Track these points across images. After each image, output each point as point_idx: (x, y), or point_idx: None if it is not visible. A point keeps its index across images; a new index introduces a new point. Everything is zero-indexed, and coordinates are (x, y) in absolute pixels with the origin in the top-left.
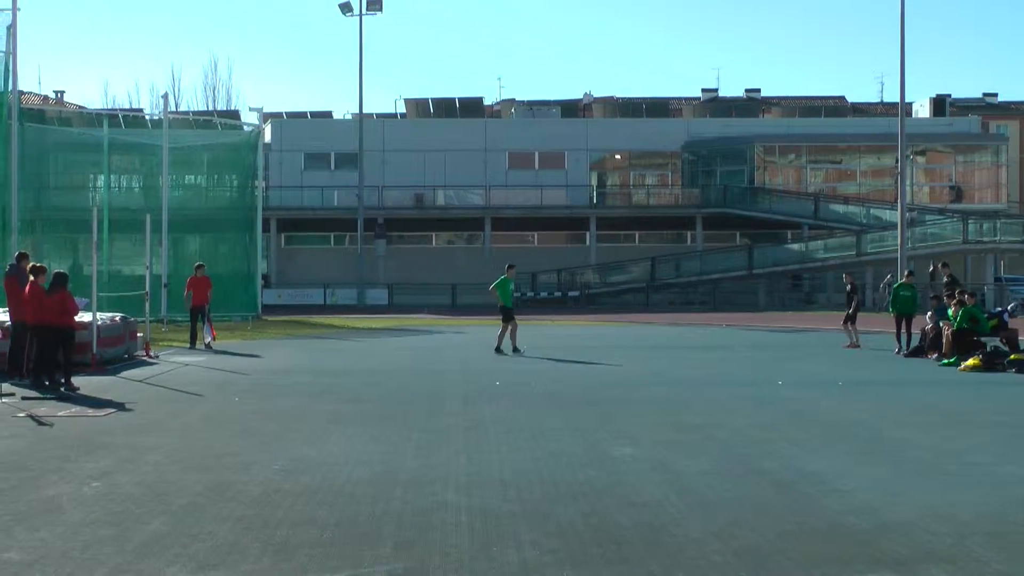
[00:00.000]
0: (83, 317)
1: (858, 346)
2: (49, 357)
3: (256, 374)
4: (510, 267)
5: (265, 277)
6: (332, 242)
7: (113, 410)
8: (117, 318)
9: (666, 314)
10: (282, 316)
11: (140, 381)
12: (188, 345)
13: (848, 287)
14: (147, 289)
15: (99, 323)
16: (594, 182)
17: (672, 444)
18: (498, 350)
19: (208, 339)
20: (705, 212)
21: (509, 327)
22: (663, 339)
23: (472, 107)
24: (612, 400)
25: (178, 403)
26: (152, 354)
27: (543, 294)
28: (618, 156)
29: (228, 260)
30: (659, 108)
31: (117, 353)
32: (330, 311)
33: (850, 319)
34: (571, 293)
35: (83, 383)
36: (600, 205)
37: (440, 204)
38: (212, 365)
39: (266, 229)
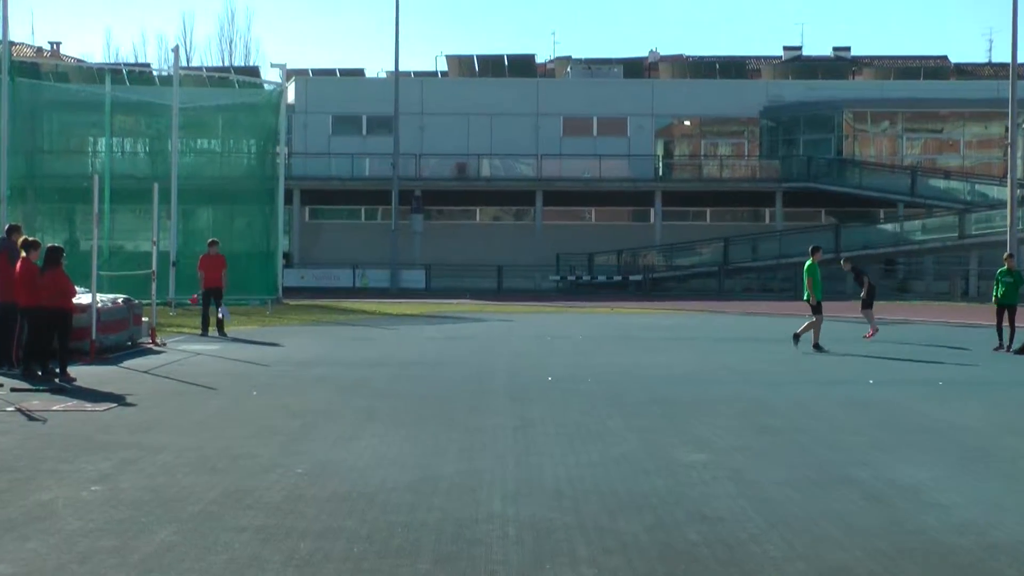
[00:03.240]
0: (81, 299)
1: (876, 330)
2: (42, 344)
3: (277, 365)
4: (815, 249)
5: (287, 256)
6: (363, 217)
7: (114, 404)
8: (119, 300)
9: (740, 302)
10: (305, 300)
11: (145, 372)
12: (199, 332)
13: (852, 271)
14: (153, 268)
15: (99, 306)
16: (660, 152)
17: (748, 450)
18: (817, 346)
19: (221, 314)
20: (786, 187)
21: (818, 320)
22: (737, 330)
23: (522, 66)
24: (679, 399)
25: (188, 397)
26: (159, 342)
27: (601, 278)
28: (687, 122)
29: (245, 236)
30: (734, 68)
31: (119, 340)
32: (359, 295)
33: (866, 304)
34: (632, 277)
35: (80, 373)
36: (666, 178)
37: (485, 175)
38: (227, 354)
39: (288, 201)
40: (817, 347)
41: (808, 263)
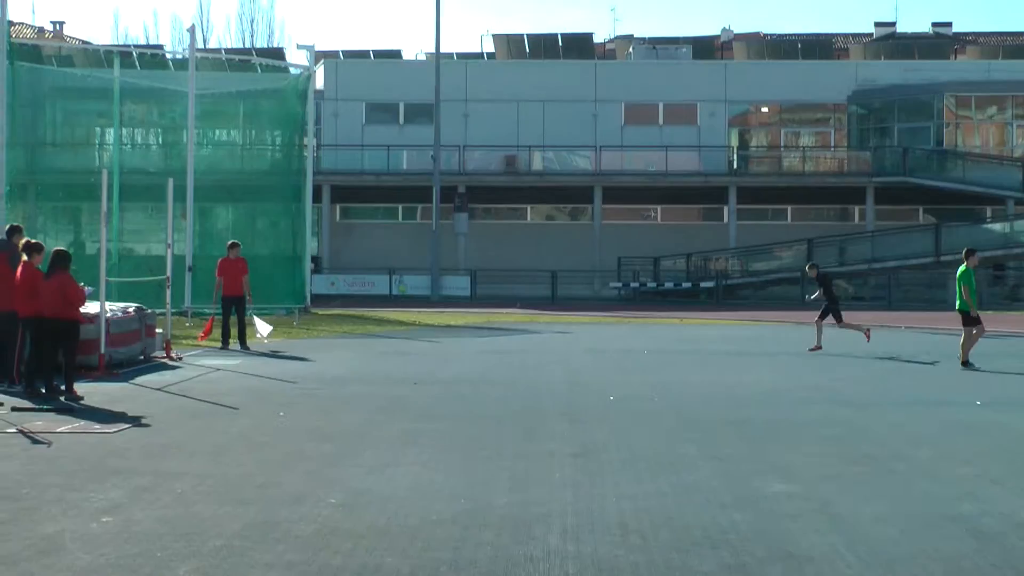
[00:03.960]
0: (89, 308)
1: (868, 331)
2: (46, 358)
3: (305, 382)
4: (970, 252)
5: (315, 260)
6: (400, 216)
7: (127, 425)
8: (131, 310)
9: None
10: (336, 309)
11: (159, 389)
12: (219, 345)
13: (817, 279)
14: (168, 273)
15: (109, 315)
16: (735, 142)
17: (840, 480)
18: (967, 364)
19: (260, 326)
20: (878, 181)
21: (978, 333)
22: (824, 344)
23: (579, 46)
24: (760, 421)
25: (208, 418)
26: (174, 355)
27: (668, 284)
28: (765, 109)
29: (269, 238)
30: (819, 47)
31: (131, 354)
32: (397, 303)
33: (832, 315)
34: (704, 284)
35: (88, 391)
36: (742, 172)
37: (537, 169)
38: (250, 370)
39: (317, 199)
40: (967, 364)
41: (961, 269)
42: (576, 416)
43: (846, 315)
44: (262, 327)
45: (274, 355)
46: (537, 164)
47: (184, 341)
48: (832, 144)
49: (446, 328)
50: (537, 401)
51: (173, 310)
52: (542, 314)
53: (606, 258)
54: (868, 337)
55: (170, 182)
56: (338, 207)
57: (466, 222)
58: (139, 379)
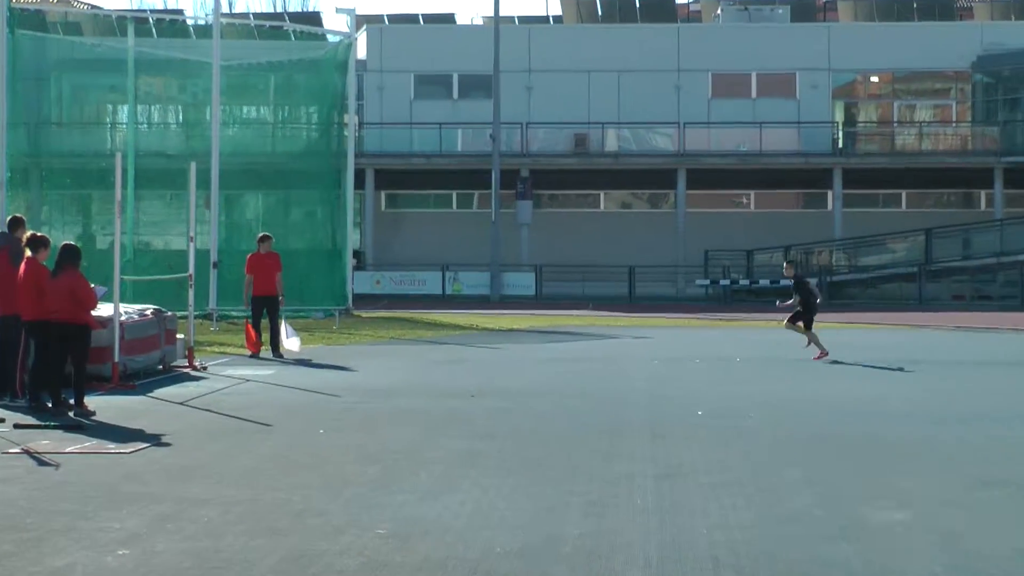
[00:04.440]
0: (101, 310)
1: (827, 352)
2: (53, 368)
3: (348, 395)
4: None
5: (358, 255)
6: (454, 204)
7: (144, 445)
8: (149, 312)
9: (948, 313)
10: (382, 311)
11: (182, 403)
12: (249, 352)
13: (793, 280)
14: (190, 270)
15: (124, 319)
16: (840, 117)
17: (962, 507)
18: None
19: (286, 340)
20: (1008, 161)
21: None
22: (941, 351)
23: (660, 8)
24: (868, 440)
25: (237, 436)
26: (198, 365)
27: (763, 282)
28: (876, 79)
29: (305, 230)
30: (938, 8)
31: (149, 363)
32: (451, 304)
33: (801, 320)
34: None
35: (101, 405)
36: (848, 151)
37: (611, 150)
38: (284, 381)
39: (359, 185)
40: None
41: None
42: (659, 433)
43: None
44: (290, 342)
45: (311, 364)
46: (611, 144)
47: (209, 348)
48: (954, 119)
49: (508, 332)
50: (614, 416)
51: (196, 312)
52: (618, 316)
53: (691, 251)
54: (821, 356)
55: (192, 166)
56: (383, 194)
57: (530, 211)
58: (158, 392)
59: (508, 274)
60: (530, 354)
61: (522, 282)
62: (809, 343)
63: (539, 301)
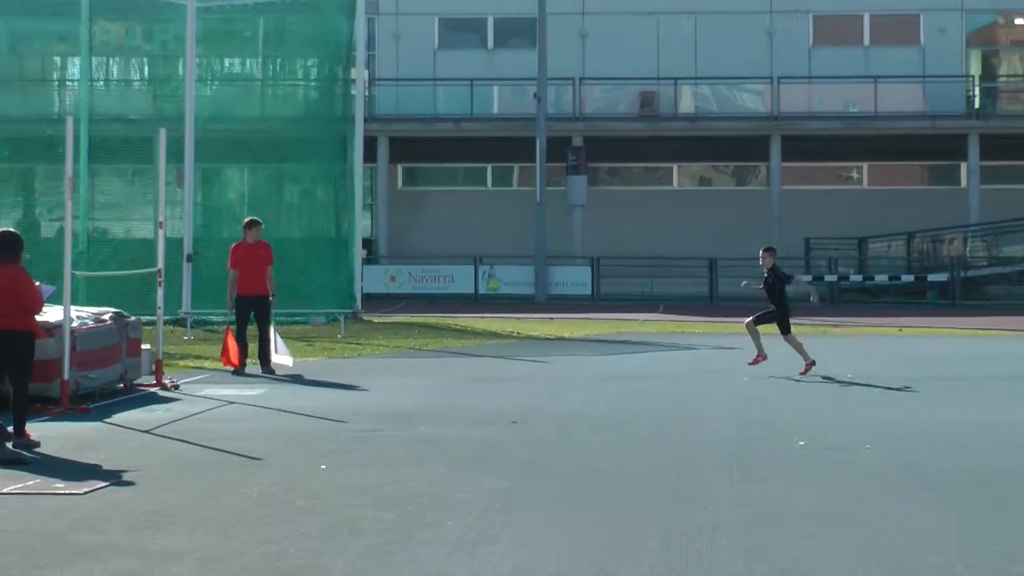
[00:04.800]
0: (48, 314)
1: (764, 357)
2: None
3: (357, 421)
4: None
5: (368, 245)
6: (489, 181)
7: (102, 484)
8: (107, 317)
9: None
10: (400, 315)
11: (148, 432)
12: (233, 367)
13: (772, 273)
14: (159, 265)
15: (76, 325)
16: (976, 70)
17: None
18: None
19: (277, 356)
20: None
21: None
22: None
23: None
24: (1018, 476)
25: (219, 473)
26: (168, 382)
27: (880, 278)
28: (1021, 20)
29: (302, 214)
30: None
31: (107, 380)
32: (486, 306)
33: (777, 324)
34: (933, 277)
35: (47, 434)
36: (987, 113)
37: (686, 112)
38: (278, 403)
39: (371, 158)
40: None
41: None
42: (750, 470)
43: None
44: (282, 356)
45: (310, 382)
46: (686, 104)
47: (182, 362)
48: None
49: (557, 342)
50: (692, 448)
51: (167, 317)
52: (696, 321)
53: (787, 239)
54: (754, 362)
55: (161, 134)
56: (400, 169)
57: (584, 188)
58: (119, 416)
59: (557, 268)
60: (585, 370)
61: (574, 278)
62: (754, 355)
63: (596, 302)
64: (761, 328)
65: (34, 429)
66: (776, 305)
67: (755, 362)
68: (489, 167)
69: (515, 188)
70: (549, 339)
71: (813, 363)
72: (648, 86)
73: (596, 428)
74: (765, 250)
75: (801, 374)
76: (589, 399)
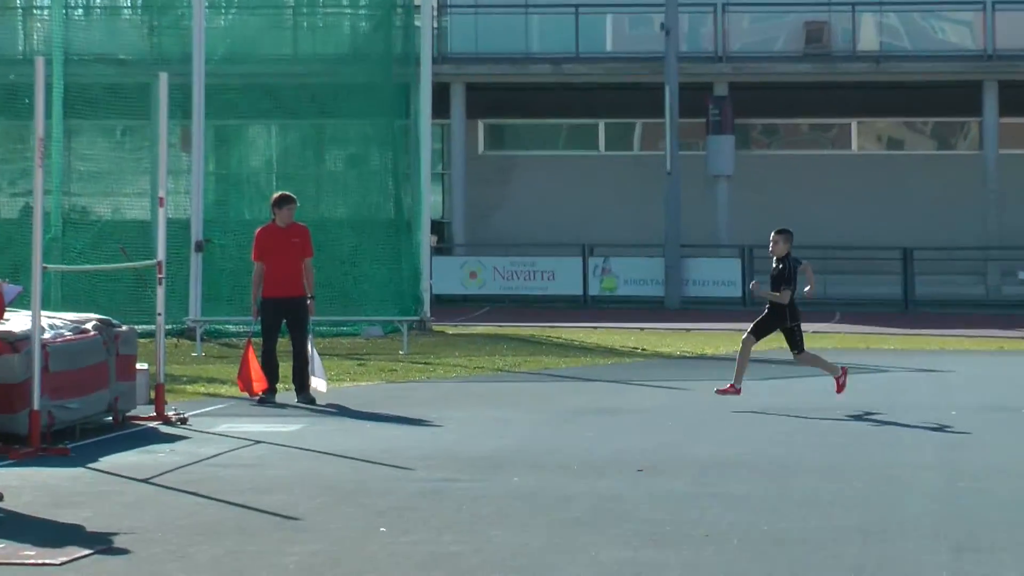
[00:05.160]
0: (11, 323)
1: (735, 390)
2: None
3: (428, 468)
4: None
5: (439, 229)
6: (600, 143)
7: (85, 551)
8: (89, 326)
9: None
10: (482, 325)
11: (146, 480)
12: (258, 394)
13: (781, 263)
14: (159, 256)
15: (48, 337)
16: None
17: None
18: None
19: (315, 380)
20: None
21: None
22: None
23: None
24: None
25: (241, 538)
26: (174, 413)
27: None
28: None
29: (350, 187)
30: None
31: (90, 411)
32: (598, 312)
33: (787, 339)
34: None
35: (12, 483)
36: None
37: (868, 49)
38: (319, 443)
39: (442, 112)
40: None
41: None
42: (966, 537)
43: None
44: (316, 379)
45: (363, 415)
46: (868, 40)
47: (191, 387)
48: None
49: (696, 361)
50: (882, 506)
51: (170, 326)
52: (885, 333)
53: (1010, 221)
54: (724, 391)
55: (161, 80)
56: (482, 127)
57: (731, 153)
58: (107, 460)
59: (694, 261)
60: (734, 400)
61: (717, 274)
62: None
63: (746, 308)
64: (761, 343)
65: None
66: (788, 311)
67: (726, 391)
68: (601, 124)
69: (636, 152)
70: (685, 357)
71: (845, 371)
72: (816, 14)
73: (750, 477)
74: (778, 232)
75: (838, 392)
76: (740, 439)
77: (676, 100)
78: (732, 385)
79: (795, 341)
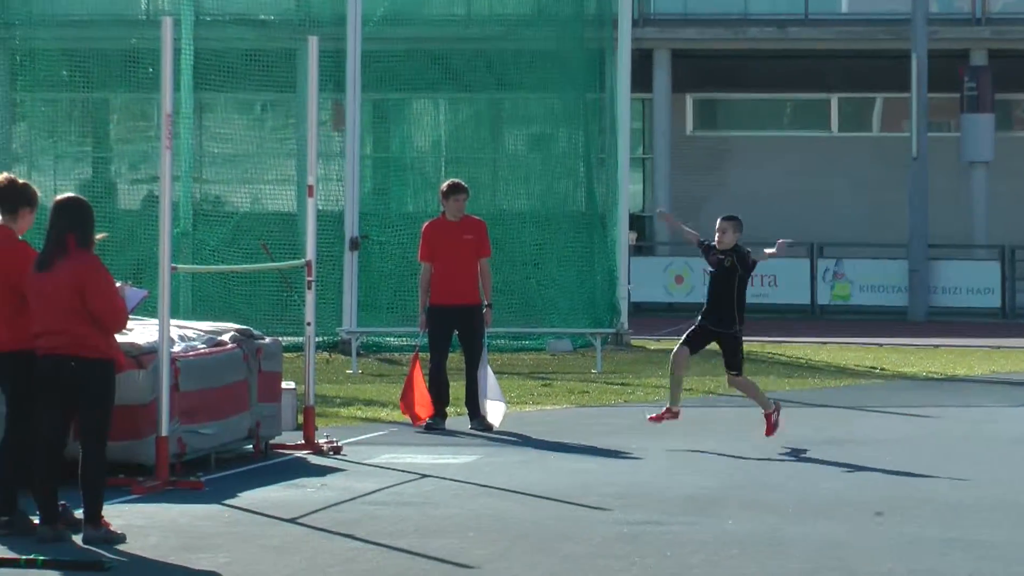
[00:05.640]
0: (134, 333)
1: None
2: (42, 447)
3: (624, 508)
4: None
5: (638, 224)
6: (832, 123)
7: None
8: (227, 338)
9: None
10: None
11: (293, 520)
12: (422, 419)
13: (727, 257)
14: (309, 255)
15: (179, 351)
16: None
17: None
18: None
19: (491, 404)
20: None
21: None
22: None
23: None
24: None
25: None
26: (326, 441)
27: None
28: None
29: (533, 174)
30: None
31: (227, 437)
32: (828, 324)
33: (723, 353)
34: None
35: (136, 521)
36: None
37: None
38: (497, 478)
39: (642, 84)
40: None
41: None
42: None
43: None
44: (491, 402)
45: (546, 444)
46: None
47: (345, 410)
48: None
49: (946, 383)
50: None
51: (320, 338)
52: None
53: None
54: (657, 418)
55: (311, 44)
56: (691, 102)
57: (990, 135)
58: (247, 495)
59: (945, 265)
60: (994, 429)
61: (972, 280)
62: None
63: (1009, 319)
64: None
65: (116, 514)
66: (737, 315)
67: (659, 418)
68: (833, 100)
69: (875, 134)
70: (933, 378)
71: (777, 410)
72: None
73: (1021, 522)
74: (725, 219)
75: (768, 434)
76: (1005, 477)
77: (925, 71)
78: (668, 409)
79: (735, 356)
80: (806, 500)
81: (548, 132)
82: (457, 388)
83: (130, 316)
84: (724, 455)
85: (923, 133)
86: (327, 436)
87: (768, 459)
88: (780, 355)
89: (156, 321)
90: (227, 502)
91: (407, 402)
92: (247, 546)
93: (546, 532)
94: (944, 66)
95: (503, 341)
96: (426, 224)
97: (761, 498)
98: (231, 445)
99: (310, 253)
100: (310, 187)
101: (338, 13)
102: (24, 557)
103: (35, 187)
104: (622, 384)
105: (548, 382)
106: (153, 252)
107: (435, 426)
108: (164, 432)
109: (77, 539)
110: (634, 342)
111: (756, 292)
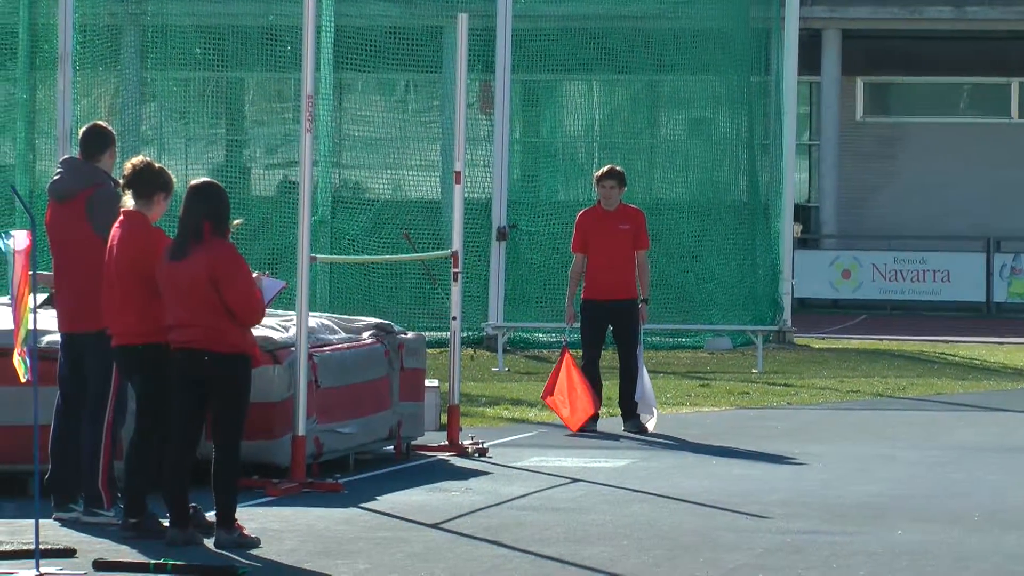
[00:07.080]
0: (270, 328)
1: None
2: (173, 446)
3: (786, 516)
4: None
5: (803, 215)
6: (1014, 108)
7: None
8: (367, 334)
9: None
10: (855, 339)
11: (436, 526)
12: (584, 424)
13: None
14: (455, 246)
15: (317, 346)
16: None
17: None
18: None
19: (644, 406)
20: None
21: None
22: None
23: None
24: None
25: None
26: (471, 442)
27: None
28: None
29: (692, 162)
30: None
31: (367, 437)
32: (1005, 323)
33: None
34: None
35: (271, 525)
36: None
37: None
38: (651, 483)
39: (811, 66)
40: None
41: None
42: None
43: None
44: (647, 405)
45: (708, 448)
46: None
47: (491, 410)
48: None
49: None
50: None
51: (466, 334)
52: None
53: None
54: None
55: (460, 22)
56: (863, 86)
57: None
58: (387, 498)
59: None
60: None
61: None
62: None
63: None
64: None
65: (250, 517)
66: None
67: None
68: (1014, 84)
69: None
70: None
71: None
72: None
73: None
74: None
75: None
76: None
77: None
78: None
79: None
80: (990, 510)
81: (709, 116)
82: (610, 388)
83: (267, 308)
84: (894, 460)
85: None
86: (472, 437)
87: (941, 464)
88: (952, 356)
89: (293, 314)
90: (366, 506)
91: (560, 399)
92: (387, 552)
93: (704, 541)
94: None
95: (659, 338)
96: (580, 213)
97: (935, 507)
98: (371, 446)
99: (456, 243)
100: (457, 173)
101: None
102: (154, 561)
103: (169, 172)
104: (785, 385)
105: (706, 382)
106: (289, 241)
107: (587, 427)
108: (300, 431)
109: (209, 543)
110: (798, 340)
111: (927, 289)
